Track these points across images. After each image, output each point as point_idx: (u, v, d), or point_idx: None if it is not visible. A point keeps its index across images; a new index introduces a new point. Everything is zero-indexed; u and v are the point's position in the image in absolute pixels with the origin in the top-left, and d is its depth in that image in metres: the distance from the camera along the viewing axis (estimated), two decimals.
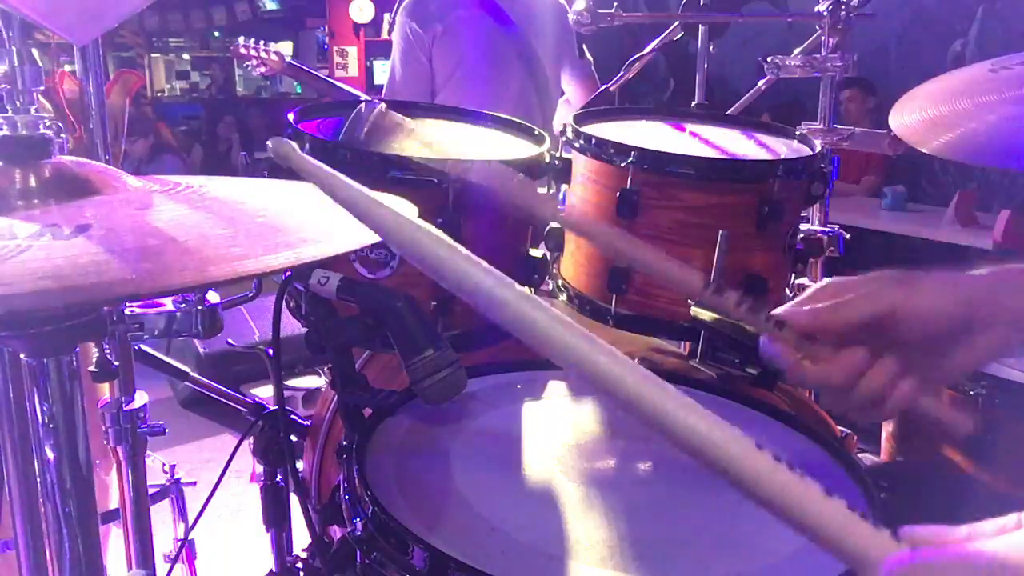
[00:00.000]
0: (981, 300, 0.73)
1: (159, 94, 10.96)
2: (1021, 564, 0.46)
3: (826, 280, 0.81)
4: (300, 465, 1.53)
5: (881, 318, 0.74)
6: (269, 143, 0.62)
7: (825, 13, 1.86)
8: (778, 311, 0.79)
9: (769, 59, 1.92)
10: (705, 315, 1.35)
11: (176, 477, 1.71)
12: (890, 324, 0.74)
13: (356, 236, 0.75)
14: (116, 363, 1.31)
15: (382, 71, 8.95)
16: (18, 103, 0.83)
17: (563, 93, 3.03)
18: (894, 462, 1.35)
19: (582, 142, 1.46)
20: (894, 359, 0.74)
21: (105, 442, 1.36)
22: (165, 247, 0.67)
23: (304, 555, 1.26)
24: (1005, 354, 0.91)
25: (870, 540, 0.47)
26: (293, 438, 1.56)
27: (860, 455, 1.62)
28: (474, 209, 1.31)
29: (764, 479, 0.49)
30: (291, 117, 1.40)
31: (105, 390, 1.38)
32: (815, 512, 0.48)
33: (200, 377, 1.78)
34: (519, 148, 1.51)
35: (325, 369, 1.86)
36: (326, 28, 9.78)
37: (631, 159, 1.37)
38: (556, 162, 1.47)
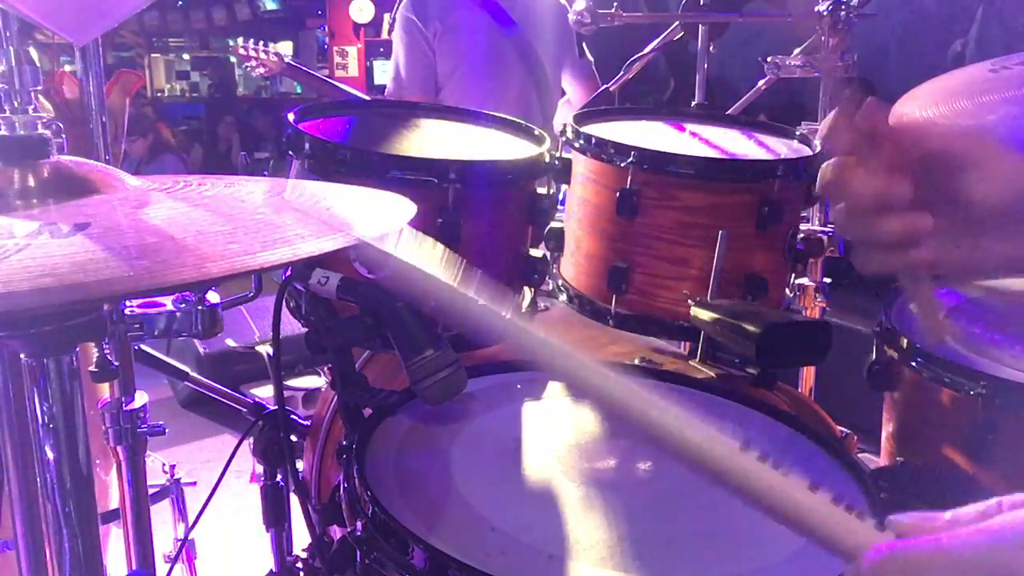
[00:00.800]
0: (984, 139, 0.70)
1: (159, 94, 10.95)
2: (996, 553, 0.46)
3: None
4: (300, 465, 1.53)
5: (948, 161, 0.69)
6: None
7: (825, 13, 1.86)
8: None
9: (769, 59, 1.92)
10: (705, 315, 1.36)
11: (176, 477, 1.71)
12: (951, 173, 0.69)
13: (354, 233, 0.75)
14: (116, 363, 1.31)
15: (382, 71, 8.95)
16: (16, 103, 0.83)
17: (564, 93, 3.03)
18: (894, 462, 1.34)
19: (582, 142, 1.46)
20: (931, 217, 0.69)
21: (105, 442, 1.36)
22: (163, 245, 0.67)
23: (304, 555, 1.27)
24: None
25: (854, 531, 0.48)
26: (293, 438, 1.56)
27: (860, 455, 1.62)
28: (474, 209, 1.31)
29: (750, 477, 0.49)
30: (291, 117, 1.40)
31: (105, 390, 1.38)
32: (800, 506, 0.49)
33: (200, 377, 1.78)
34: (519, 148, 1.51)
35: (325, 369, 1.86)
36: (326, 28, 9.78)
37: (631, 159, 1.37)
38: (556, 162, 1.47)
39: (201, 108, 10.95)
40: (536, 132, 1.54)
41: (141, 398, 1.37)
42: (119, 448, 1.36)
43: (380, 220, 0.82)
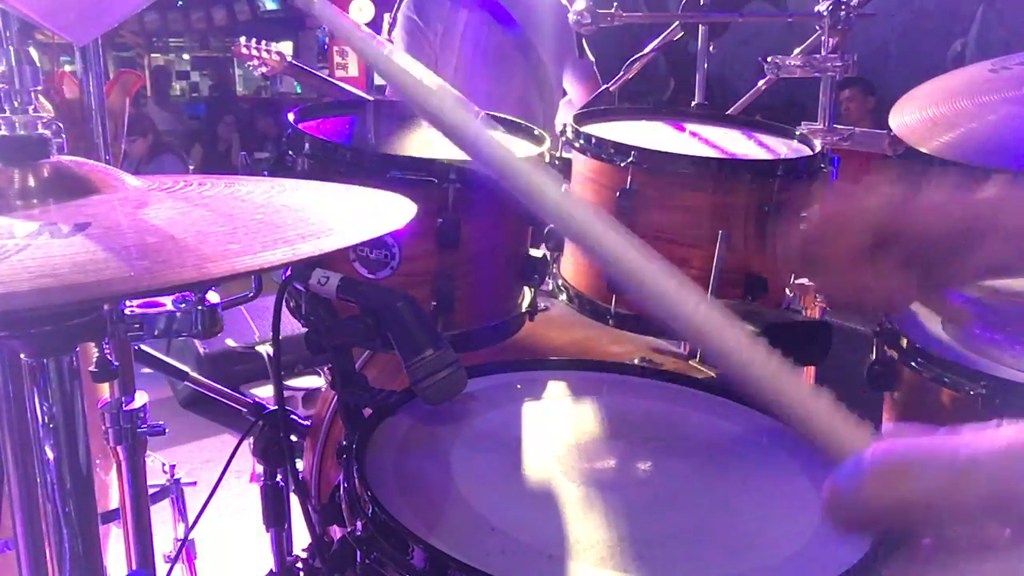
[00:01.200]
0: (983, 213, 0.74)
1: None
2: (991, 461, 0.46)
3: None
4: (300, 465, 1.53)
5: (887, 215, 0.75)
6: None
7: (825, 13, 1.86)
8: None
9: (769, 59, 1.92)
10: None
11: (176, 477, 1.72)
12: (894, 224, 0.75)
13: (354, 233, 0.75)
14: (116, 363, 1.31)
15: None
16: (16, 103, 0.83)
17: (565, 93, 3.03)
18: None
19: (582, 142, 1.46)
20: (895, 263, 0.75)
21: (105, 442, 1.36)
22: (163, 245, 0.67)
23: (304, 555, 1.27)
24: (1003, 273, 0.92)
25: (852, 432, 0.48)
26: (293, 438, 1.56)
27: None
28: (474, 209, 1.31)
29: (759, 366, 0.50)
30: (291, 117, 1.40)
31: (105, 390, 1.38)
32: (803, 402, 0.50)
33: (200, 377, 1.79)
34: (519, 148, 1.51)
35: (325, 369, 1.86)
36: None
37: (631, 159, 1.37)
38: (556, 162, 1.47)
39: (201, 108, 10.95)
40: (536, 132, 1.54)
41: (141, 398, 1.37)
42: (119, 448, 1.36)
43: (380, 221, 0.82)
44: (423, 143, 1.49)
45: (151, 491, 1.50)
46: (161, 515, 1.60)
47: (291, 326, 1.24)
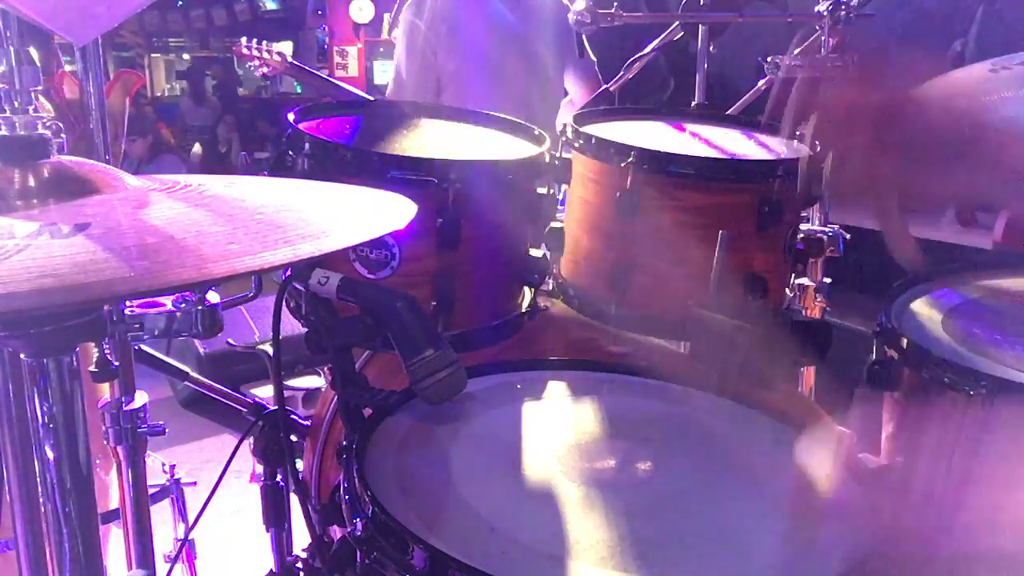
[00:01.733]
0: (982, 130, 0.75)
1: (159, 94, 10.96)
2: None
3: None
4: (300, 465, 1.53)
5: (896, 107, 0.75)
6: None
7: (825, 13, 1.86)
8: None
9: (769, 59, 1.92)
10: (705, 315, 1.35)
11: (176, 477, 1.71)
12: (900, 117, 0.75)
13: (354, 233, 0.75)
14: (116, 363, 1.31)
15: (382, 71, 8.95)
16: (16, 103, 0.83)
17: (565, 93, 3.03)
18: (894, 462, 1.34)
19: (582, 142, 1.46)
20: (891, 159, 0.76)
21: (105, 442, 1.36)
22: (163, 245, 0.67)
23: (304, 555, 1.26)
24: (983, 200, 0.93)
25: None
26: (293, 438, 1.56)
27: (860, 455, 1.62)
28: (474, 209, 1.31)
29: None
30: (291, 117, 1.40)
31: (105, 390, 1.38)
32: None
33: (200, 377, 1.78)
34: (519, 148, 1.51)
35: (325, 369, 1.86)
36: (326, 28, 9.78)
37: (631, 159, 1.37)
38: (556, 162, 1.47)
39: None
40: (536, 132, 1.54)
41: (141, 398, 1.37)
42: (119, 448, 1.36)
43: (380, 221, 0.82)
44: (423, 143, 1.49)
45: (151, 491, 1.50)
46: (161, 515, 1.60)
47: (291, 326, 1.23)
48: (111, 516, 1.61)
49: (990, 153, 0.74)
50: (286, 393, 3.51)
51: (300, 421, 1.60)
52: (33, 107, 0.84)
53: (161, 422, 1.40)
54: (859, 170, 0.77)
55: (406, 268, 1.29)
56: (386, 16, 7.93)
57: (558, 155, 1.51)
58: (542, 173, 1.44)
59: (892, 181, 0.77)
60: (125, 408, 1.34)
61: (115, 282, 0.60)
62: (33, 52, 0.85)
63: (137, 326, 1.22)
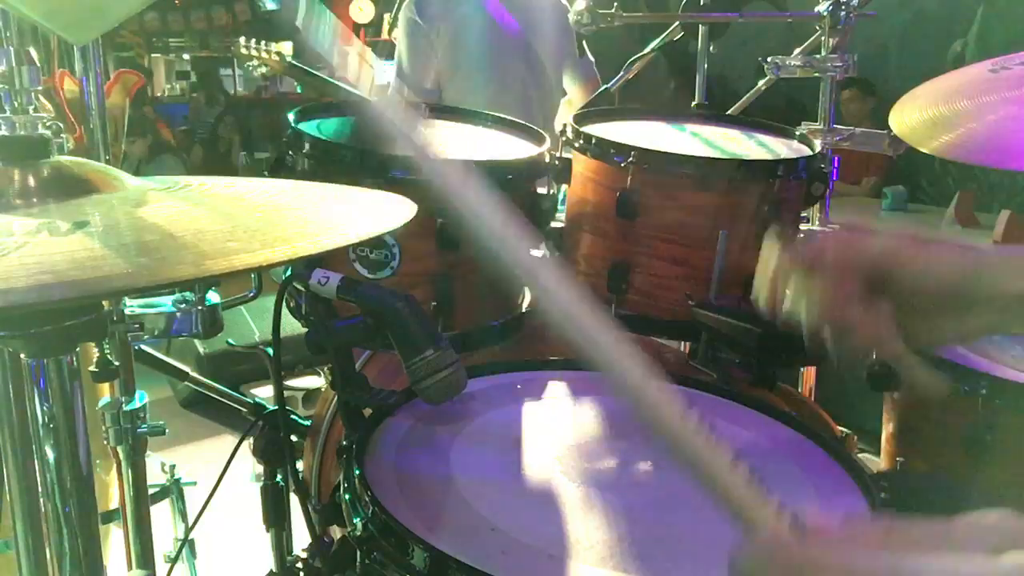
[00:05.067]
0: (980, 277, 0.73)
1: (159, 94, 10.96)
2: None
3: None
4: (300, 465, 1.53)
5: (886, 260, 0.75)
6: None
7: (825, 13, 1.86)
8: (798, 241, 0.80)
9: (769, 59, 1.92)
10: (705, 315, 1.36)
11: (176, 477, 1.71)
12: (891, 270, 0.74)
13: (354, 233, 0.75)
14: (116, 363, 1.32)
15: (382, 71, 8.95)
16: (16, 103, 0.83)
17: (566, 93, 3.03)
18: (893, 463, 1.35)
19: (582, 142, 1.46)
20: (885, 312, 0.75)
21: (105, 442, 1.36)
22: (162, 242, 0.67)
23: (304, 555, 1.26)
24: (973, 338, 0.92)
25: (759, 513, 0.48)
26: (293, 438, 1.56)
27: (860, 455, 1.62)
28: None
29: (686, 439, 0.50)
30: (291, 117, 1.40)
31: (105, 390, 1.38)
32: (722, 478, 0.50)
33: (200, 377, 1.78)
34: (519, 148, 1.51)
35: (325, 369, 1.86)
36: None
37: (631, 159, 1.37)
38: (556, 162, 1.47)
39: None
40: (536, 132, 1.54)
41: (141, 398, 1.37)
42: (119, 448, 1.36)
43: (380, 221, 0.82)
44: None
45: (151, 491, 1.50)
46: (161, 515, 1.60)
47: (291, 326, 1.24)
48: (111, 516, 1.61)
49: (987, 297, 0.73)
50: (286, 393, 3.50)
51: (300, 421, 1.60)
52: (33, 107, 0.85)
53: (161, 422, 1.40)
54: (858, 333, 0.75)
55: (406, 268, 1.29)
56: (386, 16, 7.92)
57: (558, 155, 1.51)
58: (542, 173, 1.44)
59: (892, 334, 0.76)
60: (125, 408, 1.34)
61: (113, 278, 0.60)
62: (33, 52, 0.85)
63: (137, 326, 1.22)
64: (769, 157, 1.53)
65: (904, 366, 0.77)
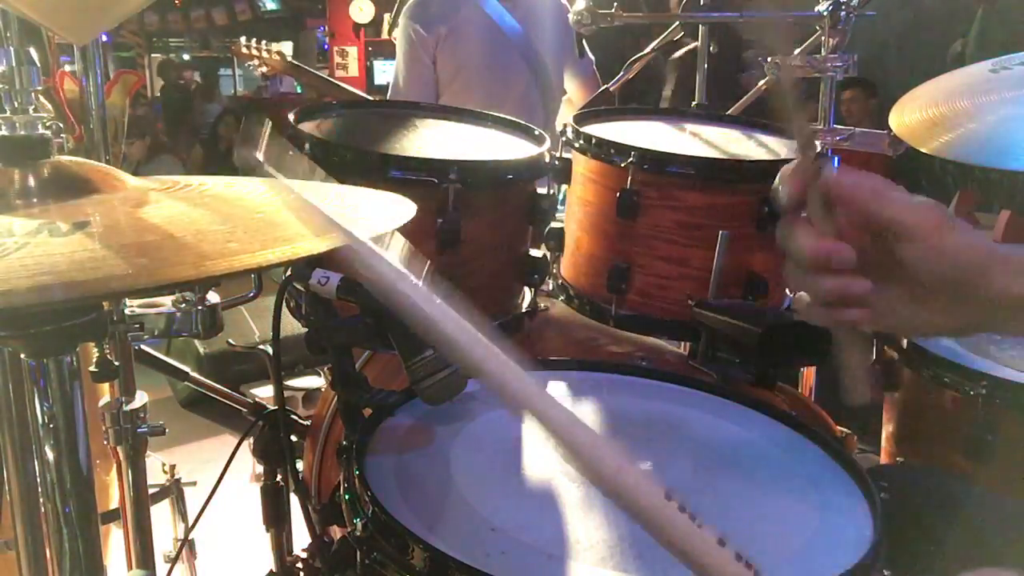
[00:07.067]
0: (989, 273, 0.71)
1: (159, 94, 10.95)
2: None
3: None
4: (300, 465, 1.53)
5: (905, 228, 0.72)
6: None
7: (825, 13, 1.86)
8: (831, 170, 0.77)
9: (769, 59, 1.92)
10: (705, 315, 1.36)
11: (176, 477, 1.71)
12: (904, 243, 0.72)
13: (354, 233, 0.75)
14: (116, 363, 1.31)
15: (382, 71, 8.95)
16: (16, 103, 0.83)
17: (565, 93, 3.03)
18: (894, 462, 1.35)
19: (582, 142, 1.46)
20: (871, 283, 0.73)
21: (105, 442, 1.36)
22: (162, 243, 0.67)
23: (304, 555, 1.26)
24: (966, 333, 0.90)
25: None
26: (293, 438, 1.56)
27: (860, 455, 1.62)
28: (474, 209, 1.31)
29: (666, 525, 0.50)
30: (291, 117, 1.40)
31: (105, 390, 1.38)
32: (692, 545, 0.50)
33: (200, 377, 1.78)
34: (519, 148, 1.51)
35: (325, 369, 1.86)
36: (326, 28, 9.77)
37: (631, 159, 1.37)
38: (556, 162, 1.47)
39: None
40: (536, 132, 1.54)
41: (141, 398, 1.37)
42: (119, 448, 1.36)
43: (379, 220, 0.82)
44: (423, 143, 1.49)
45: (151, 491, 1.50)
46: (161, 515, 1.60)
47: (291, 326, 1.24)
48: (111, 516, 1.61)
49: (991, 295, 0.71)
50: (286, 393, 3.50)
51: (300, 421, 1.59)
52: (33, 107, 0.84)
53: (161, 422, 1.40)
54: (830, 313, 0.74)
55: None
56: (386, 16, 7.91)
57: (558, 155, 1.51)
58: (542, 173, 1.44)
59: (863, 323, 0.74)
60: (125, 408, 1.34)
61: (114, 279, 0.60)
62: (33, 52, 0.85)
63: (137, 326, 1.22)
64: (769, 157, 1.53)
65: (845, 345, 0.76)
